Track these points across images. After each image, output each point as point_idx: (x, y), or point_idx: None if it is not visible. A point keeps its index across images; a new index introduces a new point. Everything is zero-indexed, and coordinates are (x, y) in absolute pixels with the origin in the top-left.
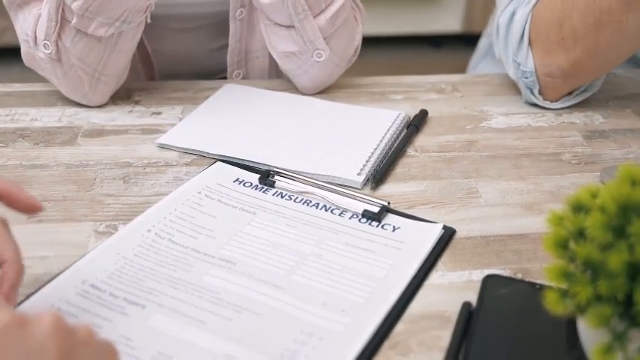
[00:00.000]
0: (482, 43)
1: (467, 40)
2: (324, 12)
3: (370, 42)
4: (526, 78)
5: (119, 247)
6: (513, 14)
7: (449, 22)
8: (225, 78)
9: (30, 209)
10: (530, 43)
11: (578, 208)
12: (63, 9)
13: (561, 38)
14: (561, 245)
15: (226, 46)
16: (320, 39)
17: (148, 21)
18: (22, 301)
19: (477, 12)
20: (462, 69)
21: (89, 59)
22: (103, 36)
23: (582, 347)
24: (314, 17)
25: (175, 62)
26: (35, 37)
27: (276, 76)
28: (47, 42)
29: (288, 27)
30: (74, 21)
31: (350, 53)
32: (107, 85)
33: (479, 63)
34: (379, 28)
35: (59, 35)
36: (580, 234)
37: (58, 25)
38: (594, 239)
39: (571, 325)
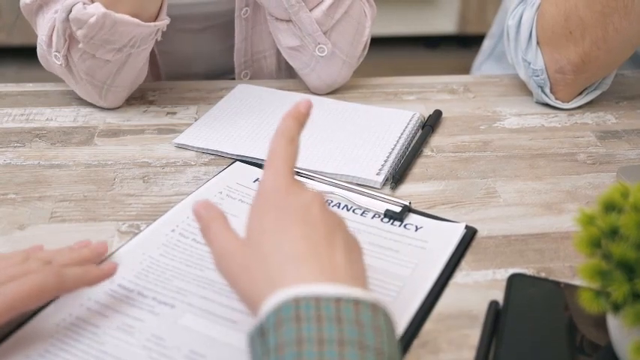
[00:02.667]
0: (485, 45)
1: (462, 41)
2: (320, 5)
3: None
4: (537, 76)
5: (144, 247)
6: (521, 16)
7: (444, 24)
8: (232, 79)
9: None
10: (538, 41)
11: (610, 207)
12: (71, 29)
13: (569, 32)
14: (594, 244)
15: (233, 47)
16: (319, 32)
17: (159, 39)
18: (50, 302)
19: (472, 13)
20: (457, 70)
21: (97, 75)
22: (110, 60)
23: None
24: (310, 10)
25: (182, 62)
26: (50, 42)
27: (284, 76)
28: (57, 54)
29: (287, 21)
30: (81, 45)
31: (359, 50)
32: (118, 94)
33: (482, 64)
34: (374, 29)
35: (68, 50)
36: (613, 233)
37: (67, 42)
38: (629, 238)
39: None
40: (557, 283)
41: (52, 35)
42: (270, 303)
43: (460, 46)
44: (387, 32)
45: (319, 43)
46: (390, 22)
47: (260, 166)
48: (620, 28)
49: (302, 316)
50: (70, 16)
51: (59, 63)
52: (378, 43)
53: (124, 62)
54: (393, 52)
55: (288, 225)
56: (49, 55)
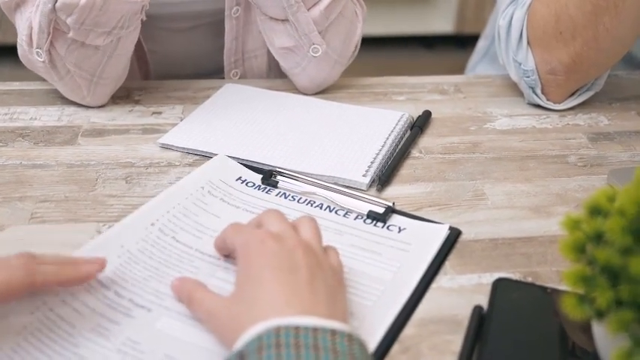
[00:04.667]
0: (480, 45)
1: (459, 42)
2: (318, 4)
3: (362, 42)
4: (527, 77)
5: (122, 239)
6: (512, 16)
7: (441, 23)
8: (222, 78)
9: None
10: (529, 42)
11: (596, 211)
12: (56, 21)
13: (559, 32)
14: (579, 249)
15: (223, 46)
16: (315, 32)
17: (144, 19)
18: None
19: (469, 13)
20: (454, 70)
21: (86, 65)
22: (100, 45)
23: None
24: (308, 10)
25: (172, 62)
26: (30, 41)
27: (274, 76)
28: (39, 50)
29: (283, 21)
30: (70, 34)
31: (350, 50)
32: (106, 88)
33: (477, 64)
34: (371, 29)
35: (52, 44)
36: (598, 238)
37: (50, 36)
38: (614, 243)
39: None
40: (543, 288)
41: (30, 34)
42: (251, 332)
43: (457, 47)
44: (384, 32)
45: (313, 44)
46: (386, 22)
47: (244, 165)
48: (611, 28)
49: (282, 343)
50: (57, 4)
51: (42, 60)
52: (374, 42)
53: (113, 49)
54: (389, 52)
55: (272, 272)
56: (31, 55)
